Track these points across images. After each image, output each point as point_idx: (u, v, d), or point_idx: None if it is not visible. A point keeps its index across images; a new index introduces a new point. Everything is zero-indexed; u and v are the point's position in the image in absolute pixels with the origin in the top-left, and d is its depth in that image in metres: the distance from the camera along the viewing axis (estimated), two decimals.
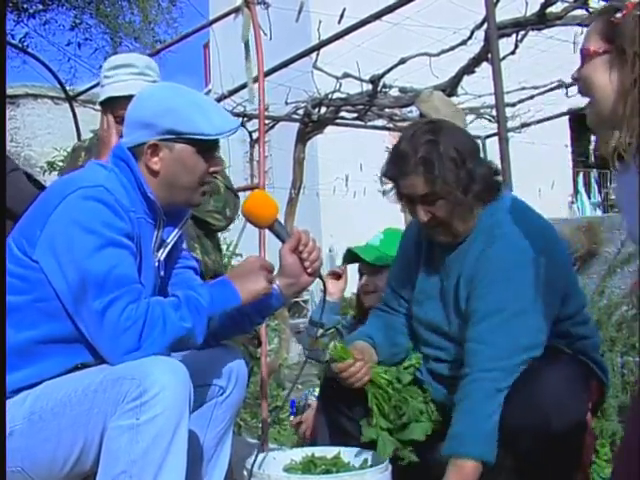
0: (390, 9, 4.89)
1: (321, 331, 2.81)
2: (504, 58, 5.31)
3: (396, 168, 2.14)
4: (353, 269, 3.05)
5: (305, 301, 11.21)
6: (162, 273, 2.05)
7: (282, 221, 2.10)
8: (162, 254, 2.03)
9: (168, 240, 2.04)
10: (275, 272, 2.06)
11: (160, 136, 1.92)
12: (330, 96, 7.96)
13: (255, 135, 8.52)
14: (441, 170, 2.06)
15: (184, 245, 2.62)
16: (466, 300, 2.13)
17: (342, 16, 6.01)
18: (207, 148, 1.96)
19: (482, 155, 2.22)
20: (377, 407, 2.12)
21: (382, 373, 2.17)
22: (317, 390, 3.00)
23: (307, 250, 2.04)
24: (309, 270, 2.05)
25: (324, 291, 2.15)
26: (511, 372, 2.01)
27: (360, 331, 2.39)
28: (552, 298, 2.08)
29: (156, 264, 2.02)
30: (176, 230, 2.06)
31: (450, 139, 2.10)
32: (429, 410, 2.18)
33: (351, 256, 2.97)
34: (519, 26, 5.96)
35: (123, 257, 1.81)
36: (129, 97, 2.60)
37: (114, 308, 1.75)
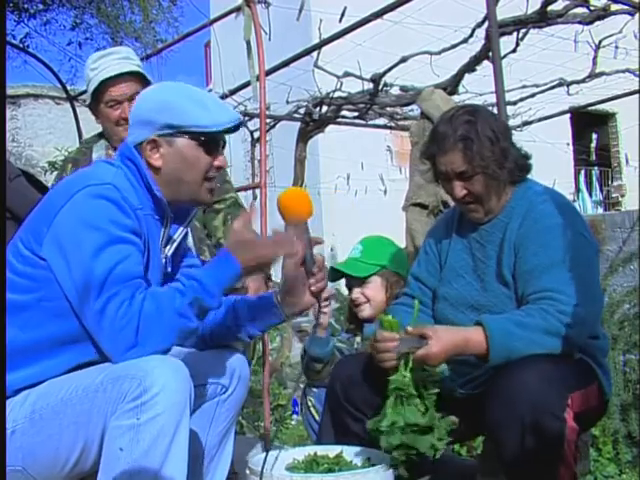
0: (391, 7, 4.88)
1: (319, 366, 2.80)
2: (505, 56, 5.31)
3: (436, 146, 2.26)
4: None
5: None
6: (169, 269, 2.04)
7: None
8: (169, 250, 2.03)
9: (175, 237, 2.04)
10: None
11: (159, 131, 1.91)
12: (331, 95, 7.96)
13: (256, 134, 8.53)
14: (478, 147, 2.18)
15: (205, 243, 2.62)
16: (513, 265, 2.18)
17: (343, 15, 6.01)
18: (208, 141, 1.94)
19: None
20: (394, 400, 2.05)
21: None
22: None
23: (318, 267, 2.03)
24: (313, 288, 2.03)
25: (318, 312, 2.16)
26: (582, 326, 2.03)
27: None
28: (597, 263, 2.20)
29: (163, 260, 2.01)
30: (182, 228, 2.06)
31: (486, 120, 2.24)
32: (440, 429, 2.12)
33: (335, 273, 2.97)
34: (520, 24, 5.95)
35: (128, 253, 1.80)
36: (121, 76, 2.70)
37: (111, 306, 1.74)
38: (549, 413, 1.92)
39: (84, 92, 7.61)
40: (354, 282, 2.94)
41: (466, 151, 2.19)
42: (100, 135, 2.98)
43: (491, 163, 2.19)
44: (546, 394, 1.93)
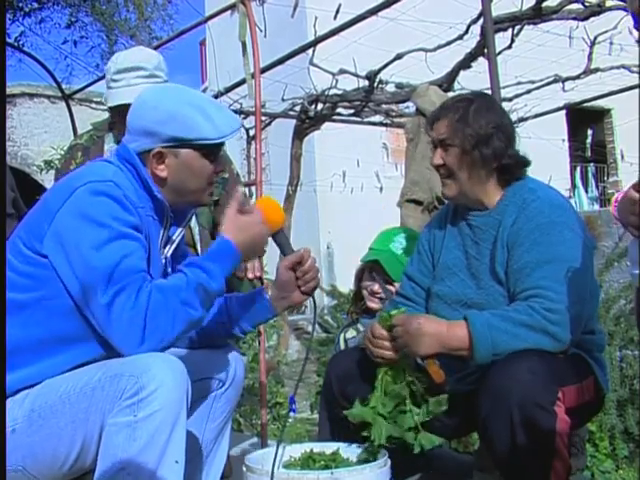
0: (386, 4, 4.89)
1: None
2: (500, 53, 5.31)
3: (435, 114, 2.34)
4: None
5: None
6: (169, 270, 2.04)
7: None
8: (169, 251, 2.04)
9: (174, 237, 2.05)
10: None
11: (164, 143, 1.92)
12: (326, 92, 7.96)
13: (252, 132, 8.52)
14: (463, 121, 2.23)
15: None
16: (506, 262, 2.19)
17: (338, 12, 6.01)
18: (212, 151, 1.97)
19: (515, 143, 2.32)
20: (382, 392, 2.08)
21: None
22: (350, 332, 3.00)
23: (303, 270, 2.05)
24: (303, 289, 2.07)
25: (314, 307, 2.17)
26: (571, 323, 2.02)
27: None
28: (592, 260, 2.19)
29: (163, 261, 2.02)
30: (180, 229, 2.07)
31: (486, 105, 2.29)
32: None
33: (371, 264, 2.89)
34: (515, 20, 5.96)
35: (133, 248, 1.81)
36: None
37: (118, 300, 1.74)
38: (538, 407, 1.92)
39: (79, 90, 7.61)
40: (381, 275, 2.89)
41: (451, 121, 2.25)
42: (110, 126, 2.91)
43: (467, 139, 2.21)
44: (534, 388, 1.93)
